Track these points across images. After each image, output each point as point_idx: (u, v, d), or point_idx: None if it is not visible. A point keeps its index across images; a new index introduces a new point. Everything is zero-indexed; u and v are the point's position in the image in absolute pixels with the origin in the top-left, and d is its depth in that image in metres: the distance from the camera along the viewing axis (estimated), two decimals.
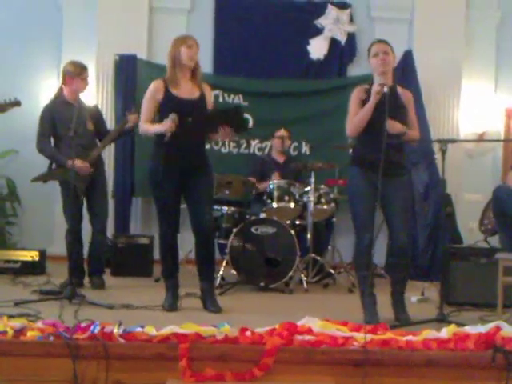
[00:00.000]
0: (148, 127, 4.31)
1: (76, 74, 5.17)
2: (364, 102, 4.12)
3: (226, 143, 7.18)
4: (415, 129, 4.24)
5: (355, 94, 4.21)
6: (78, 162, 4.98)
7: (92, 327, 2.98)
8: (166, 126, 4.15)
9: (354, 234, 4.24)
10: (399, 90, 4.25)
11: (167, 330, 2.92)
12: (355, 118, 4.13)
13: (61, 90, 5.27)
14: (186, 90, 4.32)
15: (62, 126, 5.10)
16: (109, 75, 7.07)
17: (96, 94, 7.03)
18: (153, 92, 4.32)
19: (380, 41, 4.25)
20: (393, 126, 4.02)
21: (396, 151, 4.09)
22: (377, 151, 3.83)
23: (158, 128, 4.24)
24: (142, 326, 3.01)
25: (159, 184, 4.28)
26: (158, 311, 4.19)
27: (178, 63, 4.29)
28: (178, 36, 4.43)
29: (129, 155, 6.98)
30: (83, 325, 3.05)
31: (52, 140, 5.24)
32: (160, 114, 4.32)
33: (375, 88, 4.03)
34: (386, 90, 3.97)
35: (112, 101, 7.02)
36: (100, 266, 5.38)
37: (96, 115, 5.41)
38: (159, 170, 4.25)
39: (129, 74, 7.03)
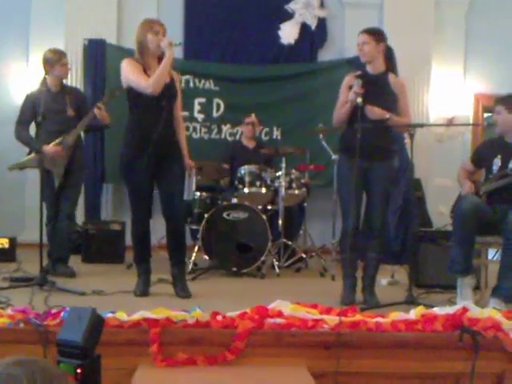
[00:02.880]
0: (157, 75, 4.13)
1: (55, 60, 5.15)
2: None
3: (198, 128, 7.16)
4: (406, 115, 4.29)
5: (345, 82, 4.28)
6: (49, 147, 4.97)
7: (62, 313, 2.96)
8: (171, 55, 4.11)
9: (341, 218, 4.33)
10: (391, 78, 4.30)
11: (138, 316, 2.92)
12: (335, 113, 4.24)
13: (45, 79, 5.26)
14: None
15: (43, 113, 4.95)
16: (78, 60, 7.00)
17: (65, 80, 6.94)
18: (135, 64, 4.20)
19: (363, 31, 4.28)
20: (372, 111, 4.07)
21: (382, 136, 4.15)
22: (362, 138, 3.88)
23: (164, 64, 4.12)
24: (113, 312, 3.00)
25: (132, 169, 4.24)
26: (129, 297, 4.18)
27: (146, 50, 4.21)
28: (144, 20, 4.32)
29: (99, 141, 6.93)
30: (54, 311, 3.04)
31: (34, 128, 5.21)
32: (130, 96, 4.24)
33: (350, 96, 4.11)
34: (359, 100, 4.04)
35: (81, 86, 6.94)
36: (64, 252, 5.26)
37: (78, 101, 5.34)
38: (132, 156, 4.22)
39: (98, 59, 6.98)
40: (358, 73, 4.22)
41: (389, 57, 4.47)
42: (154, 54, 4.23)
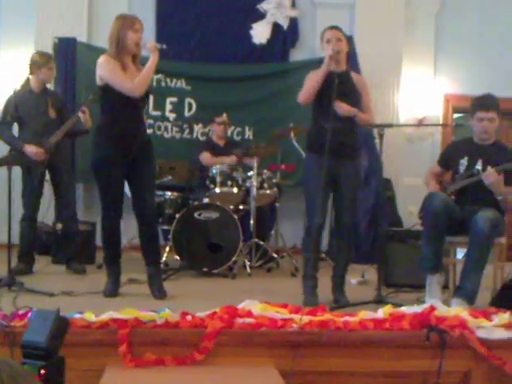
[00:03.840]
0: (142, 78, 4.11)
1: (42, 64, 5.20)
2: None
3: (169, 128, 7.14)
4: (369, 113, 4.32)
5: (310, 75, 4.27)
6: (31, 148, 5.03)
7: (30, 314, 2.94)
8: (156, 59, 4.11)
9: (306, 217, 4.31)
10: (354, 75, 4.35)
11: (106, 316, 2.91)
12: (308, 81, 4.20)
13: (28, 80, 5.29)
14: (132, 75, 4.18)
15: (26, 114, 5.19)
16: None
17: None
18: (114, 62, 4.12)
19: (333, 27, 4.31)
20: (340, 107, 4.09)
21: (348, 134, 4.17)
22: (327, 135, 3.91)
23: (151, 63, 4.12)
24: (81, 313, 2.99)
25: (106, 168, 4.18)
26: (99, 298, 4.15)
27: (123, 46, 4.13)
28: (124, 16, 4.27)
29: (68, 140, 6.85)
30: (21, 312, 3.01)
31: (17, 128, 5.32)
32: (106, 94, 4.19)
33: (329, 52, 4.11)
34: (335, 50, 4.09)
35: (51, 84, 6.86)
36: (73, 252, 5.42)
37: (59, 104, 5.37)
38: (106, 155, 4.17)
39: (68, 58, 6.89)
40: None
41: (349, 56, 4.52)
42: (130, 51, 4.18)
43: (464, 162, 4.27)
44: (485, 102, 4.24)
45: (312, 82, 4.17)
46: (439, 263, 4.11)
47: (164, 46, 4.18)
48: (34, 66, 5.20)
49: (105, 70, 4.13)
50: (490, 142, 4.27)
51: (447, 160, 4.46)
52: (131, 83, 4.09)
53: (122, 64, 4.14)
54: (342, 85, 4.10)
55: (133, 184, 4.34)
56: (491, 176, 4.02)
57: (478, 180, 4.11)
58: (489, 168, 4.03)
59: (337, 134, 3.99)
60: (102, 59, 4.16)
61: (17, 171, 5.25)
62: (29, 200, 5.22)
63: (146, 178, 4.31)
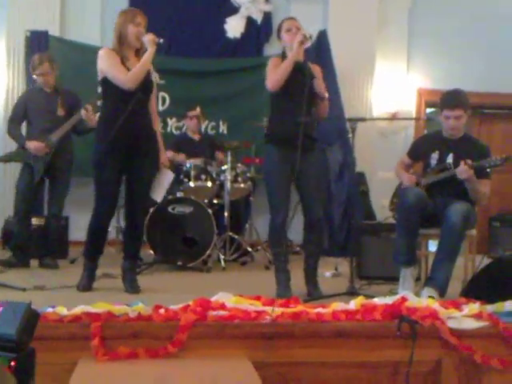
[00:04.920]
0: (136, 71, 4.07)
1: (34, 67, 5.33)
2: None
3: None
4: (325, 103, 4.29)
5: (271, 62, 4.24)
6: (32, 143, 5.18)
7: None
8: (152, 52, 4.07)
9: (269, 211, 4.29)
10: (310, 64, 4.31)
11: (79, 310, 2.89)
12: (278, 69, 4.12)
13: (35, 79, 5.42)
14: (133, 65, 4.14)
15: (34, 112, 5.33)
16: (20, 52, 6.86)
17: (7, 72, 6.85)
18: (113, 55, 4.11)
19: (291, 18, 4.35)
20: (319, 84, 4.12)
21: (308, 126, 4.16)
22: (290, 127, 3.91)
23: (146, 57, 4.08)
24: (53, 307, 2.97)
25: (105, 164, 4.14)
26: (72, 292, 4.13)
27: (125, 41, 4.13)
28: (126, 10, 4.30)
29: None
30: None
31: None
32: (105, 88, 4.18)
33: (299, 38, 4.07)
34: (309, 43, 4.09)
35: (23, 78, 6.81)
36: (50, 248, 5.43)
37: (72, 103, 5.37)
38: (106, 150, 4.11)
39: (41, 51, 6.81)
40: (281, 60, 4.21)
41: None
42: (132, 45, 4.16)
43: (435, 155, 4.32)
44: (451, 100, 4.23)
45: (282, 70, 4.09)
46: (413, 257, 4.15)
47: (161, 41, 4.13)
48: (31, 67, 5.39)
49: (103, 62, 4.13)
50: (459, 136, 4.31)
51: (417, 152, 4.50)
52: (125, 75, 4.06)
53: (122, 57, 4.13)
54: (303, 76, 4.09)
55: (130, 178, 4.28)
56: (465, 172, 4.05)
57: (451, 174, 4.16)
58: (461, 164, 4.07)
59: (298, 127, 3.97)
60: (102, 51, 4.17)
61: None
62: (22, 194, 5.30)
63: (144, 173, 4.26)
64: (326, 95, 4.19)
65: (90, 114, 4.93)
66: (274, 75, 4.14)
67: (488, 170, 4.18)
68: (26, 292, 4.03)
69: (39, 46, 6.81)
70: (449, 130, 4.28)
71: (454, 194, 4.14)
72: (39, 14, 6.89)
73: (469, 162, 4.05)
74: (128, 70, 4.10)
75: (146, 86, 4.18)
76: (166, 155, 4.57)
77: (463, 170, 4.05)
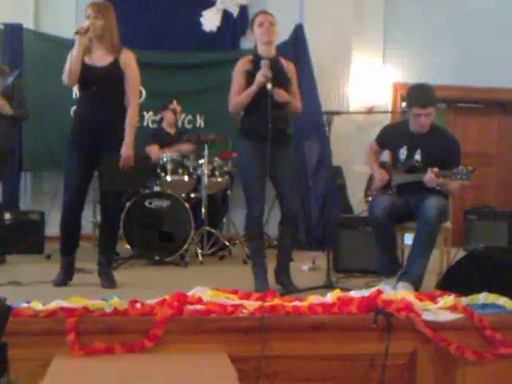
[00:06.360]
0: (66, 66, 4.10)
1: None
2: (249, 73, 4.13)
3: None
4: (298, 100, 4.29)
5: (240, 66, 4.22)
6: None
7: None
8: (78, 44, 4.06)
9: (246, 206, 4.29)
10: (282, 61, 4.29)
11: (54, 305, 2.87)
12: (238, 98, 4.13)
13: None
14: (96, 57, 4.16)
15: None
16: None
17: None
18: (79, 49, 4.10)
19: (265, 12, 4.32)
20: (280, 95, 4.09)
21: (281, 121, 4.15)
22: (263, 122, 3.91)
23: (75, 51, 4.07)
24: (28, 302, 2.94)
25: (70, 156, 4.19)
26: (47, 287, 4.10)
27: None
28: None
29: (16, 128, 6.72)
30: None
31: None
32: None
33: (259, 78, 4.04)
34: (269, 87, 4.01)
35: None
36: None
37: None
38: (70, 143, 4.20)
39: (15, 44, 6.75)
40: (251, 57, 4.21)
41: None
42: (94, 37, 4.17)
43: (404, 151, 4.30)
44: (421, 99, 4.16)
45: (245, 95, 4.08)
46: (397, 266, 4.19)
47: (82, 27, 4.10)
48: None
49: None
50: (426, 130, 4.28)
51: (386, 142, 4.47)
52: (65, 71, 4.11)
53: (88, 47, 4.16)
54: (273, 71, 4.07)
55: (99, 172, 4.27)
56: (432, 181, 4.06)
57: (420, 179, 4.13)
58: (428, 172, 4.05)
59: (275, 121, 3.98)
60: None
61: None
62: None
63: (107, 165, 4.22)
64: (290, 100, 4.17)
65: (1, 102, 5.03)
66: (237, 99, 4.13)
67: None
68: (1, 287, 4.00)
69: (13, 40, 6.74)
70: (418, 128, 4.27)
71: (425, 189, 4.14)
72: (13, 6, 6.80)
73: (435, 170, 4.03)
74: (85, 62, 4.12)
75: (103, 76, 4.14)
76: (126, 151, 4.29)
77: (430, 180, 4.04)
